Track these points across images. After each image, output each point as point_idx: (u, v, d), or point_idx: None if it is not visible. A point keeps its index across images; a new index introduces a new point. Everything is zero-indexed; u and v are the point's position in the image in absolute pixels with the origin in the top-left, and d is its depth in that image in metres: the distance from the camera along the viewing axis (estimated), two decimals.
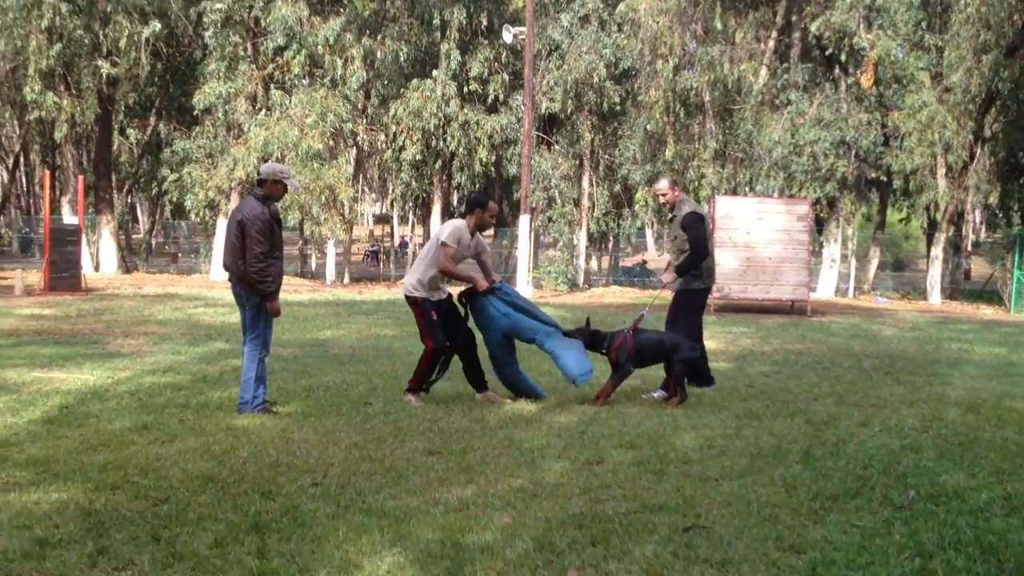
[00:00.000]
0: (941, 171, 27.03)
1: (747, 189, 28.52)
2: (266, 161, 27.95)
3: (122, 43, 27.78)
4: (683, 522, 4.53)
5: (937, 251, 28.62)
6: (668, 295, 9.42)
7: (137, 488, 4.99)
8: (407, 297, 7.93)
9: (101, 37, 28.50)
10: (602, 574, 3.88)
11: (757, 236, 20.81)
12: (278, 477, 5.29)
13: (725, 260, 20.59)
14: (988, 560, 4.02)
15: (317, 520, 4.50)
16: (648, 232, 32.57)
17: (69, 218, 28.15)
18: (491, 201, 8.05)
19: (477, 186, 34.25)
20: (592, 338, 8.18)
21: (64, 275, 21.30)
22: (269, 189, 7.22)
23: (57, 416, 6.94)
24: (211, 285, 26.51)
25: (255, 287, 7.08)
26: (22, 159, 40.18)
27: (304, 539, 4.23)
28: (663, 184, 8.83)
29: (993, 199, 32.25)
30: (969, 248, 38.98)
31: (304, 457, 5.77)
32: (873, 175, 29.15)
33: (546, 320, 8.10)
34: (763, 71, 27.99)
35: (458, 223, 7.86)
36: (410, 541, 4.21)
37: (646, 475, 5.47)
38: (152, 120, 33.26)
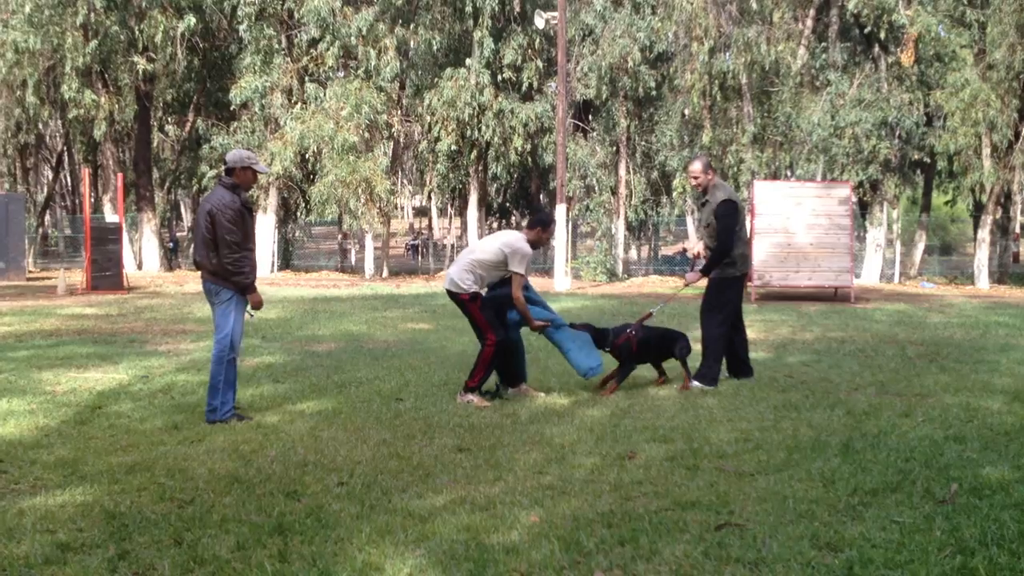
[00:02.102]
0: (986, 151, 26.45)
1: (787, 173, 28.13)
2: (303, 156, 28.25)
3: (158, 38, 27.94)
4: (715, 520, 4.41)
5: (984, 234, 28.01)
6: (687, 291, 9.27)
7: (163, 490, 4.97)
8: (454, 294, 7.70)
9: (137, 33, 28.69)
10: (630, 575, 3.77)
11: (797, 221, 20.46)
12: (304, 477, 5.24)
13: (764, 247, 20.32)
14: None
15: (341, 521, 4.44)
16: (689, 220, 32.17)
17: (110, 217, 28.46)
18: (554, 223, 8.00)
19: (513, 176, 34.08)
20: (596, 335, 8.11)
21: (106, 274, 21.50)
22: (238, 177, 6.88)
23: (89, 417, 6.95)
24: None
25: (231, 279, 6.75)
26: (66, 158, 40.71)
27: (327, 541, 4.17)
28: (696, 166, 8.57)
29: None
30: (1017, 230, 38.15)
31: (332, 455, 5.72)
32: (916, 156, 28.61)
33: (553, 316, 8.04)
34: (801, 51, 27.55)
35: (528, 250, 7.60)
36: (434, 542, 4.13)
37: (679, 470, 5.35)
38: (191, 116, 33.48)
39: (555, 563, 3.87)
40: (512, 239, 7.69)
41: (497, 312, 7.74)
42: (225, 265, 6.71)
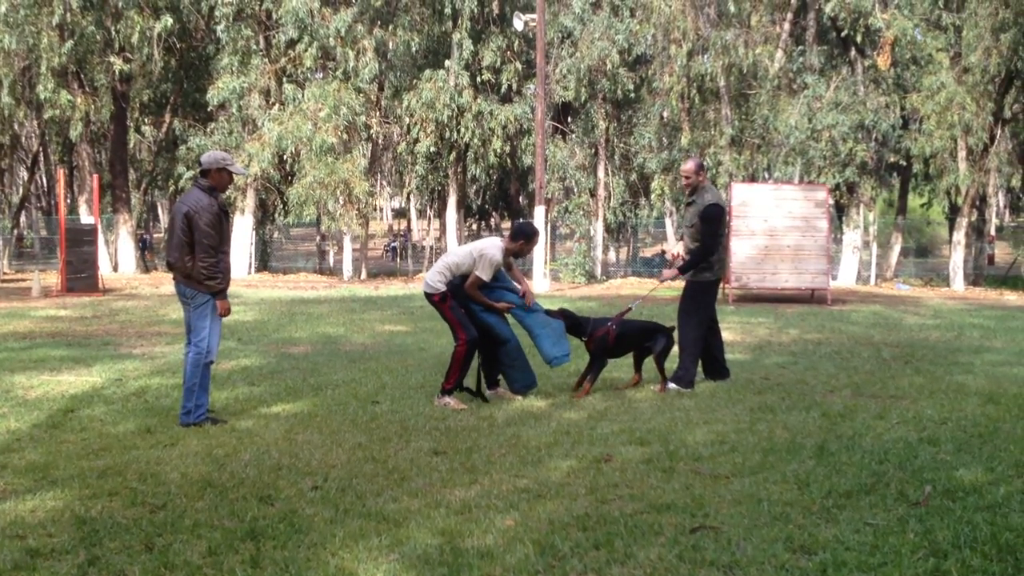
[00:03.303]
0: (962, 154, 26.63)
1: (765, 175, 28.24)
2: (281, 157, 28.11)
3: (134, 39, 27.72)
4: (691, 523, 4.42)
5: (959, 236, 28.21)
6: (665, 292, 9.29)
7: (135, 494, 4.92)
8: (428, 295, 7.78)
9: (113, 33, 28.46)
10: None
11: (775, 223, 20.54)
12: (278, 481, 5.20)
13: (742, 249, 20.38)
14: (1005, 559, 3.88)
15: (315, 526, 4.41)
16: (668, 222, 32.19)
17: (86, 218, 28.22)
18: (537, 236, 8.11)
19: (492, 178, 34.08)
20: (573, 323, 8.12)
21: (81, 276, 21.31)
22: (214, 179, 6.79)
23: (61, 420, 6.88)
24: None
25: (203, 283, 6.66)
26: (41, 159, 40.35)
27: (300, 546, 4.14)
28: (689, 166, 8.58)
29: (1016, 182, 31.84)
30: (992, 233, 38.47)
31: (307, 459, 5.68)
32: (893, 159, 28.80)
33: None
34: (779, 54, 27.67)
35: (496, 258, 7.65)
36: (408, 546, 4.11)
37: (655, 473, 5.35)
38: (167, 117, 33.24)
39: (530, 567, 3.85)
40: (485, 244, 7.81)
41: (468, 311, 7.76)
42: (200, 269, 6.62)
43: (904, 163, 29.14)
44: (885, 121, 26.59)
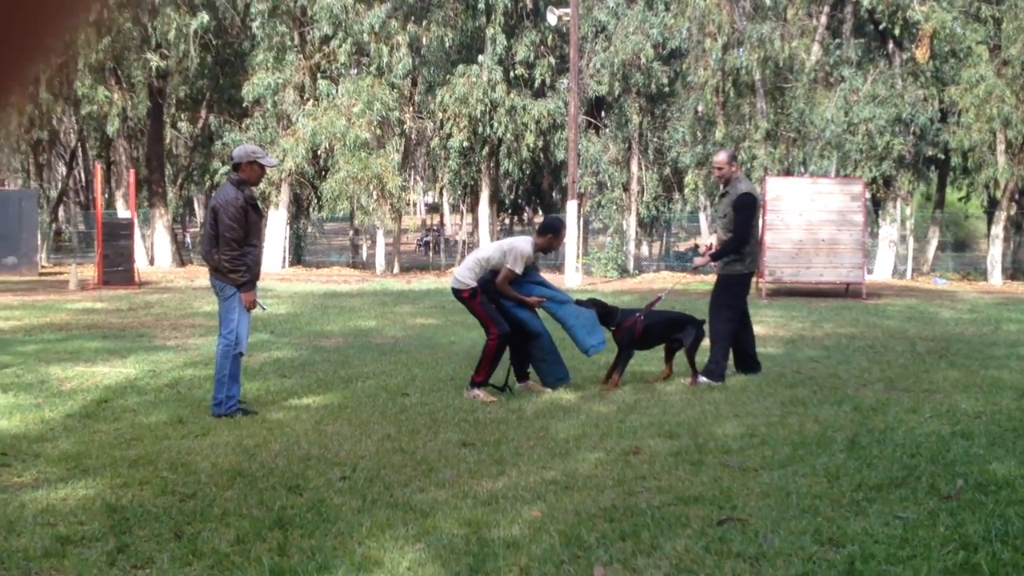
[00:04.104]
0: (1000, 147, 26.24)
1: (800, 169, 27.98)
2: (315, 152, 28.27)
3: (171, 35, 27.98)
4: (718, 515, 4.39)
5: (997, 230, 27.81)
6: (691, 279, 9.25)
7: (165, 483, 4.97)
8: (457, 291, 7.81)
9: (150, 30, 28.74)
10: (630, 570, 3.74)
11: (810, 217, 20.35)
12: (307, 471, 5.23)
13: (777, 242, 20.22)
14: None
15: (342, 515, 4.43)
16: (701, 216, 32.00)
17: (123, 212, 28.56)
18: (564, 230, 8.20)
19: (525, 172, 34.03)
20: (604, 312, 8.10)
21: (118, 269, 21.57)
22: (245, 173, 6.86)
23: (95, 411, 6.97)
24: (263, 277, 26.69)
25: (228, 276, 6.76)
26: (79, 154, 40.87)
27: (327, 535, 4.15)
28: (721, 156, 8.61)
29: None
30: None
31: (335, 450, 5.71)
32: (930, 153, 28.42)
33: (560, 295, 8.09)
34: (815, 48, 27.41)
35: (527, 250, 7.77)
36: (434, 536, 4.12)
37: (683, 465, 5.32)
38: (203, 113, 33.54)
39: (555, 557, 3.84)
40: (515, 240, 7.94)
41: (499, 306, 7.77)
42: (223, 262, 6.71)
43: (942, 156, 28.75)
44: (923, 114, 26.26)
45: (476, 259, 7.86)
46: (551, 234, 7.93)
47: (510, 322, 7.73)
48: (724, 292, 8.44)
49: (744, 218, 8.28)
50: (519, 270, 7.71)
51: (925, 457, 5.37)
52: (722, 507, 4.51)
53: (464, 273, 7.78)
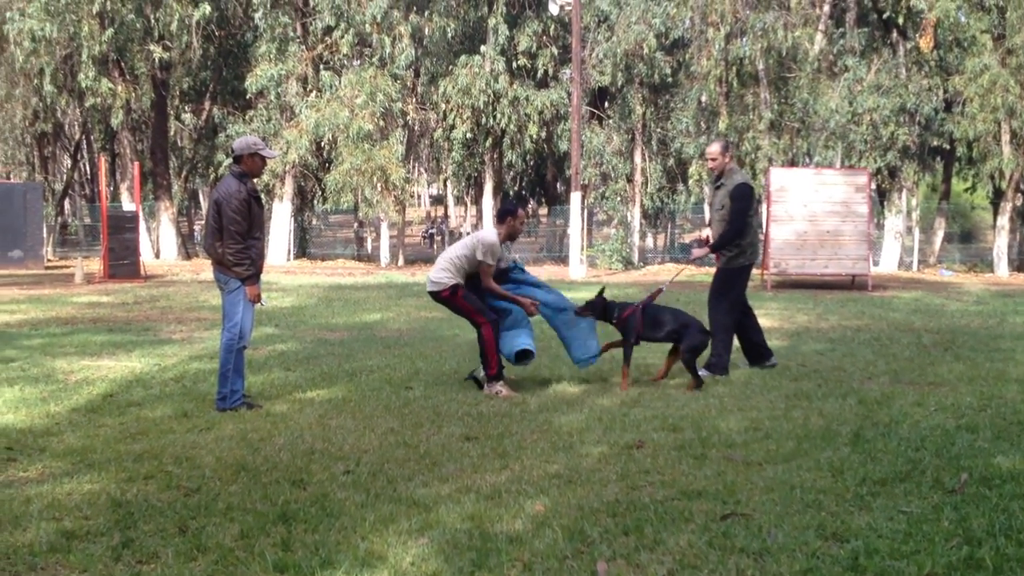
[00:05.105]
0: (1005, 137, 26.17)
1: (805, 160, 27.94)
2: (319, 144, 28.27)
3: (173, 27, 28.01)
4: (722, 509, 4.38)
5: (1003, 221, 27.76)
6: (694, 270, 9.21)
7: (170, 478, 4.98)
8: (436, 294, 7.75)
9: (152, 21, 28.80)
10: (633, 565, 3.74)
11: (814, 209, 20.30)
12: (311, 465, 5.24)
13: (781, 234, 20.19)
14: None
15: (346, 510, 4.43)
16: (706, 208, 31.87)
17: (127, 205, 28.58)
18: (520, 209, 8.09)
19: (528, 163, 34.06)
20: (603, 309, 7.98)
21: (123, 262, 21.60)
22: (247, 165, 6.82)
23: (100, 405, 6.98)
24: (267, 270, 26.72)
25: (232, 269, 6.73)
26: (84, 147, 40.89)
27: (330, 529, 4.16)
28: (715, 148, 8.53)
29: None
30: None
31: (339, 444, 5.72)
32: (935, 143, 28.36)
33: (557, 301, 7.95)
34: (819, 37, 27.33)
35: (492, 240, 7.64)
36: (437, 531, 4.12)
37: (687, 460, 5.31)
38: (207, 104, 33.56)
39: (558, 552, 3.85)
40: (480, 233, 7.83)
41: (481, 296, 7.75)
42: (227, 255, 6.70)
43: (947, 147, 28.69)
44: (927, 104, 26.19)
45: (448, 258, 7.76)
46: (509, 217, 7.84)
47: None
48: (724, 285, 8.43)
49: (741, 208, 8.24)
50: (492, 261, 7.62)
51: (930, 451, 5.36)
52: (726, 502, 4.50)
53: (439, 274, 7.69)
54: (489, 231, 7.78)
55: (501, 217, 7.94)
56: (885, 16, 26.97)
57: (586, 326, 7.88)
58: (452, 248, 7.95)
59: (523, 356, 7.73)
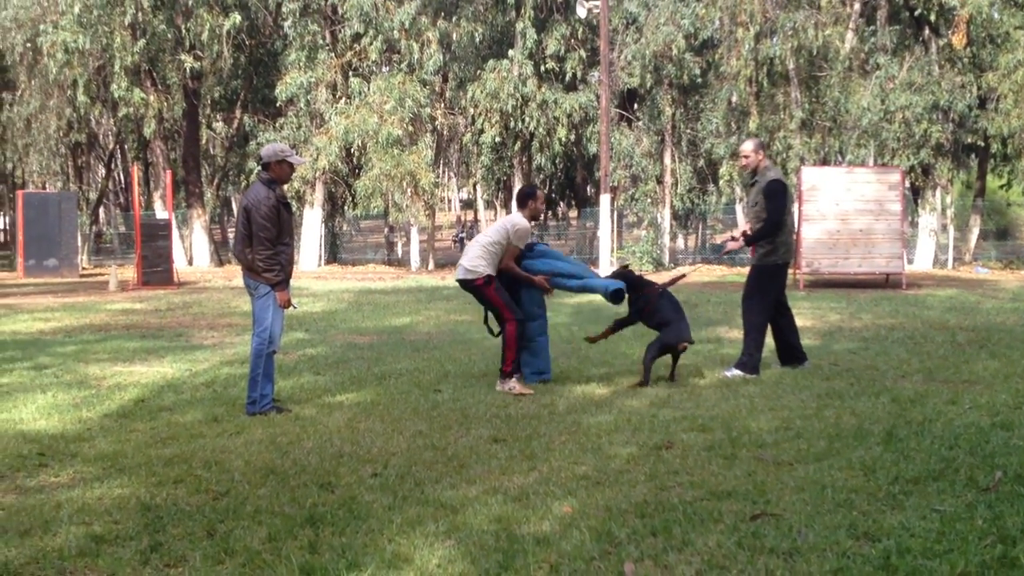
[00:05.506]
0: None
1: (837, 159, 27.67)
2: (348, 150, 28.39)
3: (204, 36, 28.24)
4: (751, 509, 4.34)
5: None
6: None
7: (199, 482, 5.00)
8: (468, 282, 7.80)
9: (184, 31, 29.05)
10: (661, 566, 3.71)
11: (847, 207, 20.09)
12: (339, 468, 5.25)
13: (813, 233, 20.01)
14: None
15: (373, 512, 4.43)
16: (738, 208, 31.69)
17: (160, 213, 28.85)
18: (539, 191, 8.26)
19: (558, 166, 33.99)
20: (632, 281, 8.10)
21: (157, 270, 21.81)
22: (275, 172, 6.88)
23: (132, 410, 7.04)
24: (298, 276, 26.89)
25: (262, 275, 6.79)
26: (118, 156, 41.34)
27: (358, 532, 4.16)
28: (748, 146, 8.51)
29: None
30: None
31: (367, 447, 5.73)
32: (969, 140, 27.97)
33: (574, 270, 8.16)
34: (849, 35, 27.07)
35: (524, 224, 7.83)
36: (464, 533, 4.11)
37: (716, 460, 5.27)
38: (238, 113, 33.81)
39: (585, 554, 3.82)
40: (513, 218, 7.93)
41: (512, 293, 7.86)
42: (257, 261, 6.76)
43: (981, 143, 28.29)
44: (961, 101, 25.85)
45: (482, 245, 7.80)
46: (530, 200, 8.00)
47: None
48: (757, 283, 8.35)
49: (778, 204, 8.17)
50: (522, 246, 7.85)
51: (963, 449, 5.28)
52: (755, 502, 4.46)
53: (475, 262, 7.73)
54: (518, 217, 7.90)
55: (522, 201, 8.06)
56: (917, 13, 26.68)
57: (609, 280, 7.99)
58: (483, 235, 7.98)
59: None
